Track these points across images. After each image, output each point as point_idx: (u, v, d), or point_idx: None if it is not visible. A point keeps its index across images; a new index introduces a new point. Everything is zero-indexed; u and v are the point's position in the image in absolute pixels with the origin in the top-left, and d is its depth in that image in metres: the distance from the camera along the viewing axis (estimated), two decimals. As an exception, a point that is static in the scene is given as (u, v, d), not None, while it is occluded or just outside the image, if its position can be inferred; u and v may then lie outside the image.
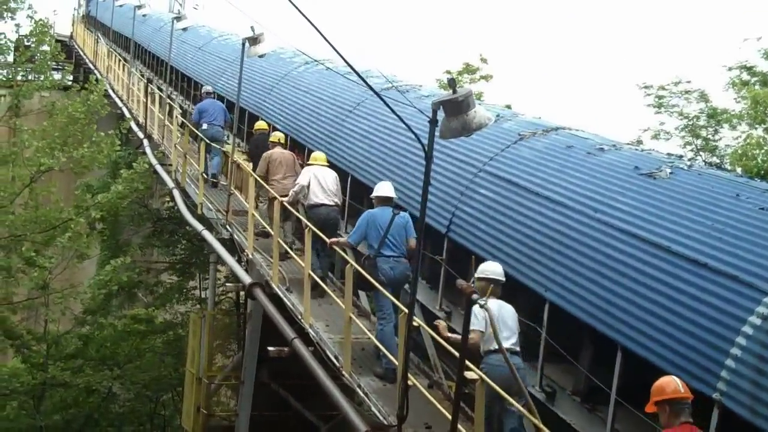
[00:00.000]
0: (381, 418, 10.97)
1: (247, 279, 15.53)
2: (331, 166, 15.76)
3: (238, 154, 19.64)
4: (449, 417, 8.73)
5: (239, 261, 16.75)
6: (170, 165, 22.84)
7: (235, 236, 17.35)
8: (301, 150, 18.64)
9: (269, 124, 20.02)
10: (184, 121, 23.69)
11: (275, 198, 15.28)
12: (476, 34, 75.78)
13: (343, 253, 12.97)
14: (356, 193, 16.18)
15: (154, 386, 26.71)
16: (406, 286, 12.64)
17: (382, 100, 9.28)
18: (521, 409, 8.62)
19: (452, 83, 8.68)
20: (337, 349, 12.56)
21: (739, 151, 25.71)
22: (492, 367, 9.64)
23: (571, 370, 10.41)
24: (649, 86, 30.43)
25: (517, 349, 10.01)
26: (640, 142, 26.91)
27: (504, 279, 10.57)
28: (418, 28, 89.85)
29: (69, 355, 25.89)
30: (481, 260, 11.67)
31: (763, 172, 22.66)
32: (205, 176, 19.84)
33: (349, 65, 9.18)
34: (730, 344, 8.18)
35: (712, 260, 9.00)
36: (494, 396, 9.04)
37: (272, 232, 15.11)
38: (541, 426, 8.43)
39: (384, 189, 13.08)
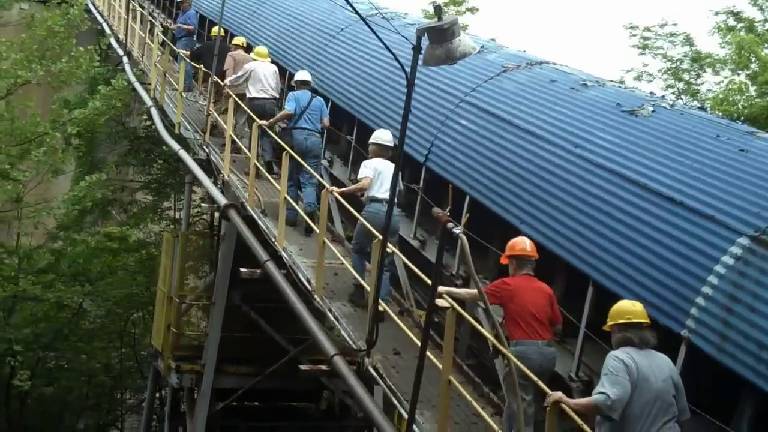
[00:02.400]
0: (351, 342, 11.01)
1: (222, 200, 15.42)
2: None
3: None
4: (418, 343, 8.76)
5: (215, 182, 16.64)
6: (149, 84, 22.55)
7: (212, 157, 17.21)
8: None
9: (226, 31, 19.91)
10: (165, 39, 23.34)
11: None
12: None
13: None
14: (336, 119, 15.98)
15: (125, 304, 26.51)
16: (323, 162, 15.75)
17: (366, 24, 9.21)
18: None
19: (438, 10, 8.79)
20: (309, 272, 12.55)
21: (720, 96, 25.68)
22: (371, 213, 11.68)
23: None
24: (635, 27, 30.28)
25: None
26: (622, 82, 26.77)
27: (392, 144, 12.14)
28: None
29: (41, 270, 25.59)
30: (457, 191, 11.66)
31: (743, 118, 22.64)
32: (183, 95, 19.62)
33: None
34: (702, 283, 8.21)
35: (689, 199, 9.01)
36: (367, 233, 11.25)
37: (248, 154, 15.01)
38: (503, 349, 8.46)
39: (303, 75, 15.30)
